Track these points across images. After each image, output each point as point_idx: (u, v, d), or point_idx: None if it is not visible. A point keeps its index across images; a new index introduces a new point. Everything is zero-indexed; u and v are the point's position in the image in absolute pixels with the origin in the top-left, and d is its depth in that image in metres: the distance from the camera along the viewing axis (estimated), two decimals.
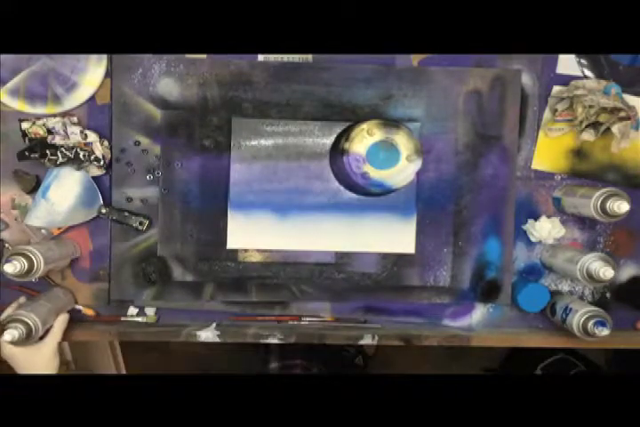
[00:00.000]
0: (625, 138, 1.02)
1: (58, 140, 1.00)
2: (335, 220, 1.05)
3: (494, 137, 1.06)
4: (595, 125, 1.04)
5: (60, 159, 1.00)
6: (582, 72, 1.07)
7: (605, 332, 0.97)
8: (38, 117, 1.01)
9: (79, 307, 1.05)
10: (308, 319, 1.07)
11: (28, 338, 0.92)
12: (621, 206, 0.95)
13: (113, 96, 1.02)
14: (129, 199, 1.04)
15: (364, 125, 0.96)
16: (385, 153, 0.96)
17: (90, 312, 1.05)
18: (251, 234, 1.05)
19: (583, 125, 1.04)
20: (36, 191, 1.02)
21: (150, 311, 1.06)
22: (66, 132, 1.00)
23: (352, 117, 1.04)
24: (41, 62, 1.01)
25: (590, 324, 0.98)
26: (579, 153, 1.08)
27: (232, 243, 1.05)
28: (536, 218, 1.08)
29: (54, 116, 1.02)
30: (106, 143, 1.02)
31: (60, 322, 0.99)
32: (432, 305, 1.08)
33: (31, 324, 0.92)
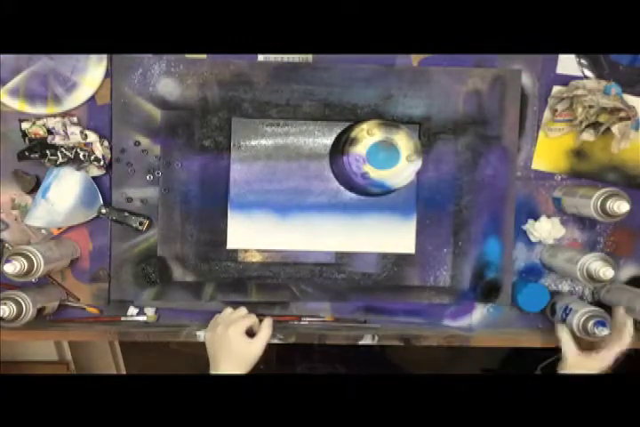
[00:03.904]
0: (625, 138, 1.02)
1: (58, 140, 1.00)
2: (335, 220, 1.05)
3: (494, 137, 1.06)
4: (595, 125, 1.04)
5: (60, 159, 1.00)
6: (582, 72, 1.07)
7: (605, 332, 0.97)
8: (38, 117, 1.01)
9: (82, 305, 1.05)
10: (307, 319, 1.07)
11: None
12: (621, 206, 0.95)
13: (113, 96, 1.02)
14: (129, 199, 1.04)
15: (364, 125, 0.96)
16: (385, 153, 0.96)
17: (94, 311, 1.05)
18: (251, 234, 1.05)
19: (583, 125, 1.04)
20: (36, 191, 1.02)
21: (150, 311, 1.06)
22: (66, 133, 1.00)
23: (352, 117, 1.04)
24: (41, 62, 1.01)
25: (590, 324, 0.97)
26: (579, 153, 1.08)
27: (232, 243, 1.05)
28: (536, 218, 1.08)
29: (54, 116, 1.02)
30: (106, 143, 1.02)
31: (267, 326, 0.98)
32: (432, 305, 1.08)
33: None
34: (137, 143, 1.03)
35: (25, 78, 1.01)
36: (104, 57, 1.02)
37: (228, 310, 1.01)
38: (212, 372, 0.96)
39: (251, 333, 0.98)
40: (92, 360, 1.41)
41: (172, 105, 1.03)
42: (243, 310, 1.00)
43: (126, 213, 1.02)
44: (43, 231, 1.04)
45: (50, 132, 1.01)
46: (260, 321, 0.99)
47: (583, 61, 1.07)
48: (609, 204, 0.96)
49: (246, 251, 1.05)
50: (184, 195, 1.04)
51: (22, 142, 1.01)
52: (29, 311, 0.94)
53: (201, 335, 1.03)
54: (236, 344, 0.96)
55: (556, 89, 1.06)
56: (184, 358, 1.71)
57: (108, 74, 1.02)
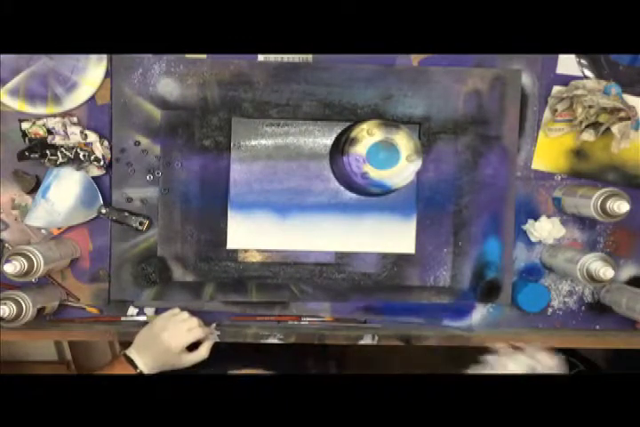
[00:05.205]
0: (625, 138, 1.02)
1: (58, 140, 1.00)
2: (335, 220, 1.05)
3: (494, 137, 1.06)
4: (595, 126, 1.04)
5: (60, 159, 1.00)
6: (582, 72, 1.07)
7: (625, 208, 0.95)
8: (38, 117, 1.01)
9: (82, 305, 1.05)
10: (307, 319, 1.07)
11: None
12: (621, 206, 0.95)
13: (113, 96, 1.02)
14: (129, 199, 1.04)
15: (364, 125, 0.96)
16: (385, 153, 0.96)
17: (94, 311, 1.05)
18: (251, 234, 1.05)
19: (583, 126, 1.04)
20: (36, 191, 1.02)
21: (150, 311, 1.06)
22: (66, 133, 1.00)
23: (352, 117, 1.04)
24: (41, 62, 1.01)
25: (609, 202, 0.96)
26: (579, 153, 1.08)
27: (232, 243, 1.05)
28: (536, 218, 1.08)
29: (54, 116, 1.02)
30: (106, 143, 1.02)
31: (205, 349, 1.00)
32: (432, 305, 1.08)
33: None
34: (137, 143, 1.03)
35: (25, 78, 1.01)
36: (104, 57, 1.02)
37: (176, 310, 1.00)
38: (128, 353, 0.97)
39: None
40: (92, 360, 1.41)
41: (171, 105, 1.03)
42: (184, 315, 0.99)
43: (126, 213, 1.02)
44: (43, 231, 1.04)
45: (50, 132, 1.01)
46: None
47: (583, 61, 1.07)
48: (609, 204, 0.96)
49: (246, 251, 1.05)
50: (184, 195, 1.04)
51: (22, 142, 1.01)
52: (29, 311, 0.94)
53: None
54: (165, 351, 0.96)
55: (555, 89, 1.06)
56: None
57: (108, 74, 1.02)
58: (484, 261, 1.07)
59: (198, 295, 1.05)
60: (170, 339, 0.96)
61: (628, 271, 1.10)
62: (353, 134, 0.97)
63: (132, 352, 0.97)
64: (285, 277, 1.06)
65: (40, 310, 0.98)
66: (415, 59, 1.05)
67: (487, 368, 0.89)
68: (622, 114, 1.02)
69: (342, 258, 1.06)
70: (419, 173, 1.01)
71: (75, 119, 1.02)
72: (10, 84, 1.01)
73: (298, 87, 1.04)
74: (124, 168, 1.03)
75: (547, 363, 0.90)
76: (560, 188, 1.08)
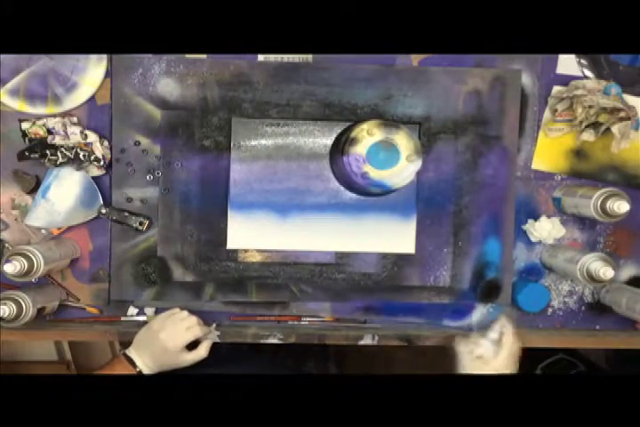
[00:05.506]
0: (625, 138, 1.02)
1: (58, 140, 1.00)
2: (335, 220, 1.05)
3: (494, 137, 1.06)
4: (595, 126, 1.04)
5: (60, 159, 1.00)
6: (582, 72, 1.07)
7: (625, 208, 0.95)
8: (38, 117, 1.01)
9: (82, 305, 1.05)
10: (307, 319, 1.07)
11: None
12: (621, 206, 0.95)
13: (113, 96, 1.02)
14: (129, 199, 1.04)
15: (364, 125, 0.96)
16: (385, 153, 0.96)
17: (94, 311, 1.05)
18: (251, 234, 1.05)
19: (583, 126, 1.04)
20: (36, 191, 1.02)
21: (150, 311, 1.06)
22: (66, 133, 1.00)
23: (352, 117, 1.04)
24: (41, 62, 1.01)
25: (609, 202, 0.96)
26: (579, 153, 1.08)
27: (232, 243, 1.05)
28: (536, 218, 1.08)
29: (54, 116, 1.02)
30: (106, 143, 1.02)
31: (205, 348, 0.99)
32: (432, 305, 1.08)
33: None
34: (137, 143, 1.03)
35: (25, 78, 1.01)
36: (104, 57, 1.02)
37: (175, 310, 1.00)
38: (128, 352, 0.97)
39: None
40: (92, 360, 1.41)
41: (171, 105, 1.03)
42: (183, 314, 0.99)
43: (126, 213, 1.02)
44: (43, 231, 1.04)
45: (50, 132, 1.01)
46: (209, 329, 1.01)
47: (583, 61, 1.07)
48: (609, 204, 0.96)
49: (246, 251, 1.05)
50: (184, 195, 1.04)
51: (22, 142, 1.01)
52: (29, 311, 0.94)
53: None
54: (164, 350, 0.96)
55: (555, 89, 1.06)
56: None
57: (108, 74, 1.02)
58: (484, 261, 1.07)
59: (198, 295, 1.05)
60: (168, 338, 0.96)
61: (628, 271, 1.10)
62: (353, 134, 0.97)
63: (131, 352, 0.97)
64: (285, 277, 1.06)
65: (40, 310, 0.98)
66: (415, 59, 1.05)
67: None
68: (622, 114, 1.02)
69: (342, 258, 1.06)
70: (419, 173, 1.01)
71: (75, 119, 1.02)
72: (10, 84, 1.01)
73: (298, 87, 1.04)
74: (124, 168, 1.03)
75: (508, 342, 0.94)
76: (560, 188, 1.08)
